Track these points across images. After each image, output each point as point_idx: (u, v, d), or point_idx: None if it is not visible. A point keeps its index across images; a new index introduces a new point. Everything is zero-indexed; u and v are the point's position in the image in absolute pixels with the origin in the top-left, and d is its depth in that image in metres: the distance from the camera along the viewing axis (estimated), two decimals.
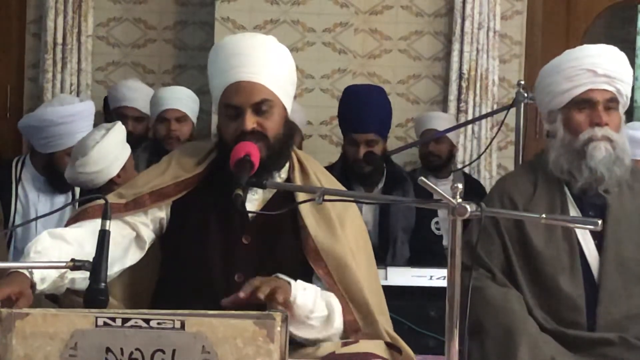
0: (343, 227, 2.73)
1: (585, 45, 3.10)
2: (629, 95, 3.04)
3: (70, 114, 4.18)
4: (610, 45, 3.08)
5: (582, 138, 2.96)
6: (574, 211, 3.01)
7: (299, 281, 2.61)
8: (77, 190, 4.25)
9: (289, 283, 2.58)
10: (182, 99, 5.04)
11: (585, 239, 2.99)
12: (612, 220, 2.97)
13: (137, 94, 5.26)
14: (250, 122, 2.67)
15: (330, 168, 4.55)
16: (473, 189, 5.04)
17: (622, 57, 3.04)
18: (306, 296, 2.60)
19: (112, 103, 5.30)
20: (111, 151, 3.77)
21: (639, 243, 2.98)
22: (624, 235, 2.96)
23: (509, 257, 2.97)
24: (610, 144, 2.95)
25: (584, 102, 2.97)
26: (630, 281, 2.94)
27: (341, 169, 4.68)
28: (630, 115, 6.72)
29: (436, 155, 5.31)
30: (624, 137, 3.02)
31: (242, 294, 2.47)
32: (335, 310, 2.65)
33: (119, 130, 3.84)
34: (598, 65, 2.97)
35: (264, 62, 2.70)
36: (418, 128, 5.43)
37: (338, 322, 2.65)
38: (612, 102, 2.98)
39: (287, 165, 2.79)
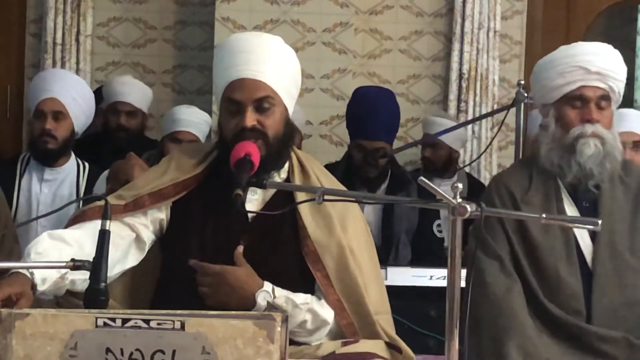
0: (344, 227, 2.73)
1: (579, 43, 3.14)
2: (622, 92, 3.07)
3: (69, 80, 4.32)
4: (605, 43, 3.10)
5: (572, 134, 3.00)
6: (568, 202, 3.04)
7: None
8: (80, 191, 4.25)
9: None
10: (200, 124, 5.06)
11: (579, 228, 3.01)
12: (605, 210, 2.99)
13: (130, 89, 5.28)
14: (251, 119, 2.67)
15: (332, 167, 4.56)
16: (476, 190, 5.03)
17: (616, 54, 3.07)
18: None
19: (107, 99, 5.31)
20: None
21: (631, 235, 3.00)
22: (617, 226, 2.99)
23: (513, 247, 3.00)
24: (600, 140, 2.98)
25: (576, 98, 3.01)
26: (623, 270, 2.97)
27: (345, 170, 4.68)
28: None
29: (432, 161, 5.24)
30: (614, 132, 3.05)
31: None
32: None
33: None
34: (591, 63, 3.00)
35: (269, 61, 2.71)
36: (423, 130, 5.36)
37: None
38: (604, 99, 3.01)
39: (287, 165, 2.78)
